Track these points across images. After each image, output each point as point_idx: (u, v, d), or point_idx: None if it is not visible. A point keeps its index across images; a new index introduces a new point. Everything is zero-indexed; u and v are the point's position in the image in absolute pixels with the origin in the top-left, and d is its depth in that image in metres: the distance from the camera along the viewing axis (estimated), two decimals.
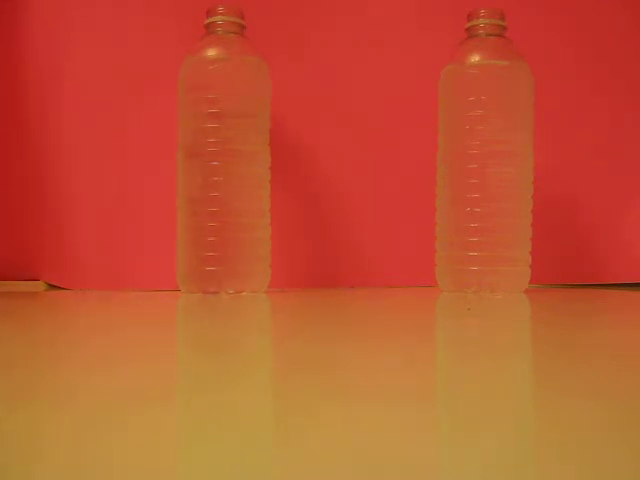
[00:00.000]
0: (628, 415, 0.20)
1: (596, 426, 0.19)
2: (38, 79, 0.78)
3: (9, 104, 0.76)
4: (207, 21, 0.67)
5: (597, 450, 0.17)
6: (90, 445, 0.17)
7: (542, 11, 0.78)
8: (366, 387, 0.24)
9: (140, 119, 0.76)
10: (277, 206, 0.70)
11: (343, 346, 0.34)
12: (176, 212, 0.68)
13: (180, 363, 0.31)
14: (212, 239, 0.66)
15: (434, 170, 0.71)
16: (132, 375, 0.26)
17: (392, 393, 0.23)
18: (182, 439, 0.18)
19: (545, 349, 0.34)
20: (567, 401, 0.22)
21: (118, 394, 0.23)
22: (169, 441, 0.18)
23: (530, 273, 0.69)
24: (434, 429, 0.19)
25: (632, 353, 0.33)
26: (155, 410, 0.21)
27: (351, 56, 0.78)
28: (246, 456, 0.16)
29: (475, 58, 0.68)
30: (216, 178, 0.66)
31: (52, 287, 0.79)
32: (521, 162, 0.68)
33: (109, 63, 0.76)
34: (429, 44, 0.77)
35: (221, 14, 0.67)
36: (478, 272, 0.67)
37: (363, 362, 0.29)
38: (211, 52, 0.67)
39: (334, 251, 0.79)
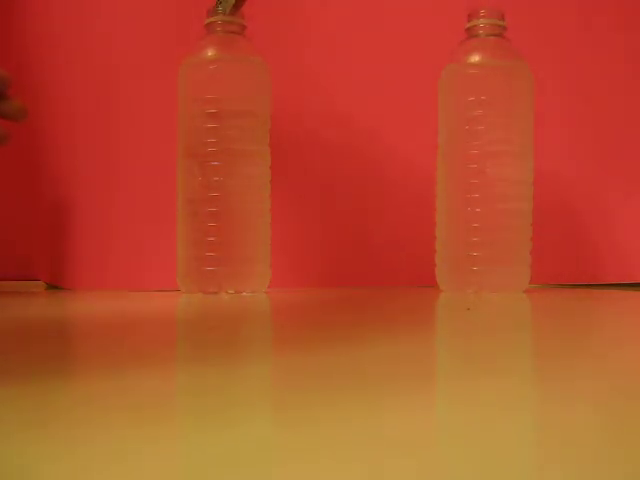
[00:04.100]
0: (628, 416, 0.20)
1: (596, 427, 0.19)
2: (37, 79, 0.78)
3: None
4: (207, 21, 0.67)
5: (596, 453, 0.17)
6: (88, 446, 0.17)
7: (542, 11, 0.78)
8: (366, 389, 0.24)
9: (140, 119, 0.76)
10: (277, 206, 0.70)
11: (343, 347, 0.34)
12: (176, 212, 0.68)
13: (180, 363, 0.31)
14: (212, 239, 0.66)
15: (434, 170, 0.71)
16: (132, 376, 0.26)
17: (392, 395, 0.23)
18: (181, 441, 0.18)
19: (545, 349, 0.34)
20: (567, 401, 0.22)
21: (118, 394, 0.23)
22: (167, 442, 0.18)
23: (530, 273, 0.69)
24: (435, 432, 0.19)
25: (632, 353, 0.32)
26: (154, 411, 0.21)
27: (351, 56, 0.78)
28: (244, 461, 0.16)
29: (475, 58, 0.68)
30: (216, 178, 0.66)
31: (52, 287, 0.79)
32: (521, 162, 0.68)
33: (109, 63, 0.76)
34: (429, 44, 0.77)
35: (221, 14, 0.67)
36: (478, 272, 0.67)
37: (363, 364, 0.29)
38: (211, 52, 0.67)
39: (334, 251, 0.79)
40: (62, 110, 0.78)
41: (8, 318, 0.49)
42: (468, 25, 0.69)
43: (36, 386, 0.24)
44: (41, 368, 0.27)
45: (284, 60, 0.75)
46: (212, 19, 0.67)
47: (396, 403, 0.21)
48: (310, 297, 0.68)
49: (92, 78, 0.77)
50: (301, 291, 0.73)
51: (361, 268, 0.79)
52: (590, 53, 0.78)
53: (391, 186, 0.79)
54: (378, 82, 0.78)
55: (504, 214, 0.68)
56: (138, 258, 0.76)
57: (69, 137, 0.78)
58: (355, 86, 0.78)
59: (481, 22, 0.68)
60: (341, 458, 0.16)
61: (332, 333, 0.40)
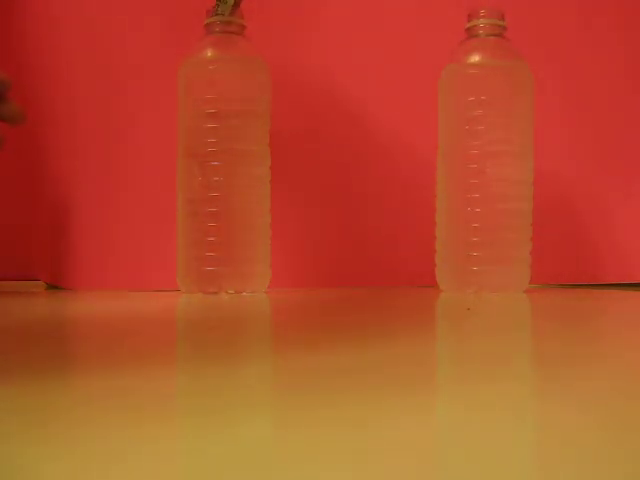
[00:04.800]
0: (628, 416, 0.20)
1: (596, 427, 0.19)
2: (38, 79, 0.78)
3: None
4: (207, 21, 0.67)
5: (596, 453, 0.17)
6: (88, 446, 0.17)
7: (542, 11, 0.78)
8: (366, 390, 0.24)
9: (140, 119, 0.76)
10: (277, 206, 0.70)
11: (343, 348, 0.34)
12: (176, 212, 0.68)
13: (180, 364, 0.31)
14: (212, 239, 0.66)
15: (434, 170, 0.71)
16: (131, 376, 0.26)
17: (392, 395, 0.23)
18: (181, 441, 0.18)
19: (545, 349, 0.34)
20: (567, 402, 0.22)
21: (117, 394, 0.23)
22: (167, 443, 0.18)
23: (530, 273, 0.69)
24: (435, 432, 0.19)
25: (632, 353, 0.32)
26: (154, 411, 0.21)
27: (351, 56, 0.78)
28: (244, 461, 0.16)
29: (475, 58, 0.68)
30: (216, 178, 0.66)
31: (52, 287, 0.79)
32: (521, 162, 0.68)
33: (109, 63, 0.76)
34: (429, 44, 0.77)
35: (220, 15, 0.67)
36: (478, 272, 0.67)
37: (363, 365, 0.29)
38: (211, 52, 0.67)
39: (334, 251, 0.79)
40: (62, 110, 0.78)
41: (8, 318, 0.49)
42: (468, 25, 0.69)
43: (36, 386, 0.24)
44: (41, 368, 0.27)
45: (284, 60, 0.75)
46: (211, 19, 0.67)
47: (396, 404, 0.21)
48: (310, 297, 0.68)
49: (92, 78, 0.77)
50: (301, 291, 0.73)
51: (361, 268, 0.79)
52: (590, 53, 0.78)
53: (391, 186, 0.79)
54: (378, 82, 0.78)
55: (504, 214, 0.68)
56: (138, 258, 0.76)
57: (69, 137, 0.78)
58: (355, 86, 0.78)
59: (481, 22, 0.68)
60: (341, 459, 0.16)
61: (332, 333, 0.40)
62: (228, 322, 0.47)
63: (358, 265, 0.79)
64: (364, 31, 0.78)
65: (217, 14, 0.66)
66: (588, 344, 0.36)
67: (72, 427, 0.19)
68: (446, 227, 0.69)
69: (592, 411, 0.21)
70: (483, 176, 0.67)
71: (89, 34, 0.77)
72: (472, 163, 0.67)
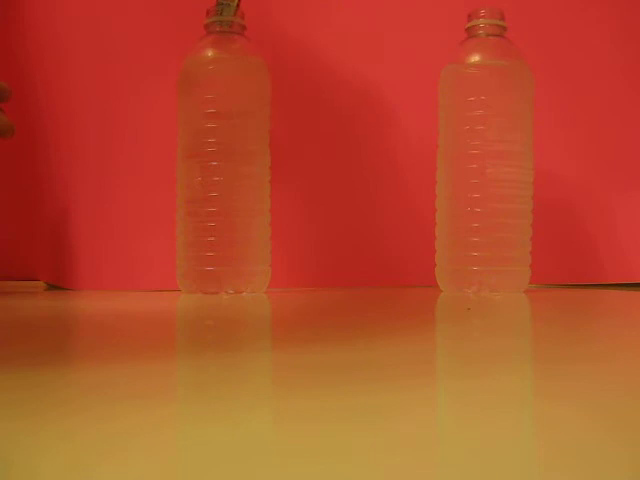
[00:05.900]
0: (628, 416, 0.20)
1: (596, 427, 0.19)
2: (38, 80, 0.78)
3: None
4: (207, 21, 0.67)
5: (596, 453, 0.17)
6: (86, 434, 0.17)
7: (542, 11, 0.78)
8: (365, 389, 0.24)
9: (140, 119, 0.76)
10: (277, 206, 0.70)
11: (342, 347, 0.34)
12: (176, 212, 0.68)
13: (179, 363, 0.31)
14: (212, 239, 0.66)
15: (434, 170, 0.71)
16: (131, 376, 0.26)
17: (392, 393, 0.23)
18: (180, 442, 0.18)
19: (545, 349, 0.34)
20: (567, 402, 0.22)
21: (117, 395, 0.23)
22: (167, 443, 0.18)
23: (530, 273, 0.69)
24: (435, 431, 0.19)
25: (632, 353, 0.32)
26: (154, 412, 0.21)
27: (351, 56, 0.78)
28: (243, 453, 0.16)
29: (475, 58, 0.68)
30: (216, 178, 0.66)
31: (52, 287, 0.79)
32: (521, 162, 0.68)
33: (108, 63, 0.76)
34: (429, 44, 0.77)
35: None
36: (478, 272, 0.67)
37: (362, 364, 0.29)
38: (211, 52, 0.67)
39: (334, 251, 0.79)
40: (63, 109, 0.78)
41: (8, 318, 0.49)
42: (468, 25, 0.69)
43: (33, 379, 0.24)
44: (39, 362, 0.27)
45: (284, 60, 0.75)
46: (212, 19, 0.67)
47: (396, 401, 0.21)
48: (310, 297, 0.68)
49: (92, 78, 0.77)
50: (301, 291, 0.73)
51: (361, 268, 0.79)
52: (590, 53, 0.78)
53: (391, 186, 0.79)
54: (378, 82, 0.78)
55: (504, 214, 0.68)
56: (138, 258, 0.76)
57: (69, 137, 0.78)
58: (355, 86, 0.78)
59: (481, 22, 0.68)
60: (340, 453, 0.16)
61: (332, 333, 0.40)
62: (228, 322, 0.47)
63: (358, 265, 0.79)
64: (364, 31, 0.78)
65: (220, 16, 0.66)
66: (588, 344, 0.36)
67: (69, 416, 0.19)
68: (446, 227, 0.70)
69: (592, 411, 0.21)
70: (483, 176, 0.67)
71: (89, 34, 0.77)
72: (472, 163, 0.67)
